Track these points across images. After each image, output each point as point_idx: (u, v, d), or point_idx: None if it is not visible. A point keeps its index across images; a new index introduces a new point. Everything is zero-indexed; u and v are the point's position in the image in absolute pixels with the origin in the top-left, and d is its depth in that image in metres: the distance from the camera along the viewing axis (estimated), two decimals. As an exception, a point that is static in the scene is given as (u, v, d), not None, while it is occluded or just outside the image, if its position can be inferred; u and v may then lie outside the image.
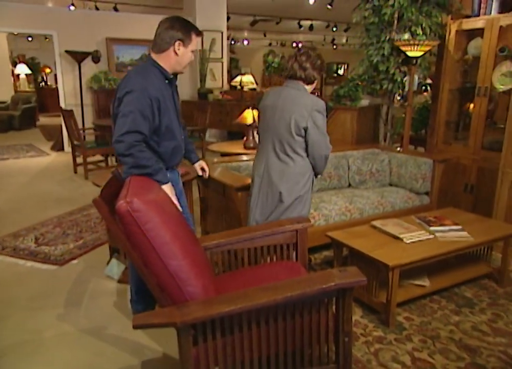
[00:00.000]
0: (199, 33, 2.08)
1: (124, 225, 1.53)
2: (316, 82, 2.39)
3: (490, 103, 3.73)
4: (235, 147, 4.19)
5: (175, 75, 2.16)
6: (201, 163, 2.58)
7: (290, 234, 2.25)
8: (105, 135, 5.76)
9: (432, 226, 2.64)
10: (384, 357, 2.06)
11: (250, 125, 3.97)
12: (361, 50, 4.37)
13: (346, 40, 15.33)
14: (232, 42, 13.44)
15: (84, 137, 5.74)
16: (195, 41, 2.06)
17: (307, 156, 2.36)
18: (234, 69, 13.06)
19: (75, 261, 3.12)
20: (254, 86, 8.22)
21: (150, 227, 1.54)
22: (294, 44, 15.29)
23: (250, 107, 4.08)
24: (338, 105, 4.64)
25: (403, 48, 3.82)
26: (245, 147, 4.05)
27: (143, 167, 1.93)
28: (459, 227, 2.63)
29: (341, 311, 1.70)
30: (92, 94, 7.20)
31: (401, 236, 2.48)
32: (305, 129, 2.27)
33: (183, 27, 2.01)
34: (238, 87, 7.75)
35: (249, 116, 3.98)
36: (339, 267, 2.65)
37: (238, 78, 7.62)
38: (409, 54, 3.83)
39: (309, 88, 2.37)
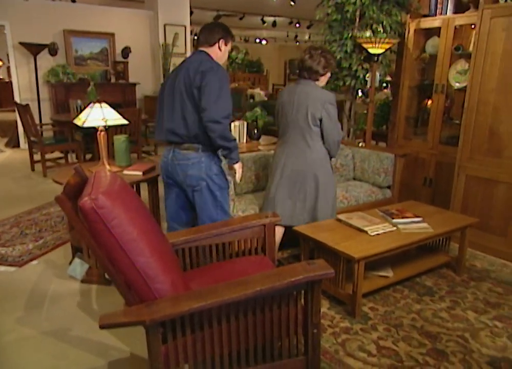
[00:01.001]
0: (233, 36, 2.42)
1: (89, 222, 1.49)
2: (324, 76, 2.69)
3: (447, 100, 3.88)
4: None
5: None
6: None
7: (258, 229, 2.25)
8: (63, 131, 5.56)
9: (395, 218, 2.73)
10: (351, 347, 2.11)
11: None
12: (324, 47, 4.41)
13: (309, 37, 15.48)
14: (196, 38, 13.27)
15: (42, 133, 5.51)
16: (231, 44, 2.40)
17: (323, 143, 2.69)
18: (197, 64, 12.89)
19: (34, 262, 3.00)
20: (218, 81, 8.17)
21: (116, 224, 1.51)
22: (257, 40, 15.30)
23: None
24: (303, 101, 4.68)
25: (365, 46, 3.90)
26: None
27: (230, 141, 2.26)
28: (420, 219, 2.73)
29: (310, 303, 1.73)
30: (50, 88, 6.93)
31: (365, 229, 2.54)
32: (320, 120, 2.61)
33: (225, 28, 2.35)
34: (202, 82, 7.67)
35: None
36: (306, 259, 2.69)
37: (202, 74, 7.54)
38: (371, 51, 3.92)
39: (320, 83, 2.70)
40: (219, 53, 2.31)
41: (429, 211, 2.98)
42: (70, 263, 2.80)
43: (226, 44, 2.33)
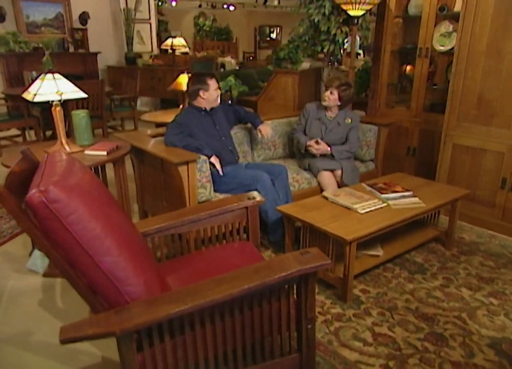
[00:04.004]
0: (212, 76, 2.81)
1: (40, 220, 1.22)
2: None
3: (431, 65, 3.68)
4: (171, 116, 3.80)
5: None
6: (264, 128, 3.07)
7: (239, 212, 2.04)
8: (19, 106, 5.07)
9: (384, 193, 2.55)
10: (345, 336, 1.96)
11: (185, 91, 3.61)
12: (295, 12, 4.12)
13: (279, 2, 14.89)
14: (160, 3, 12.50)
15: (-6, 109, 5.03)
16: (213, 82, 2.78)
17: None
18: (163, 32, 12.22)
19: (-10, 254, 2.70)
20: (187, 50, 7.70)
21: (75, 219, 1.25)
22: (225, 6, 14.59)
23: (185, 72, 3.71)
24: (279, 69, 4.39)
25: (344, 7, 3.62)
26: (182, 116, 3.71)
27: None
28: (410, 193, 2.56)
29: (304, 297, 1.54)
30: (0, 59, 6.32)
31: (354, 206, 2.36)
32: None
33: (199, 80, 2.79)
34: (170, 51, 7.19)
35: (184, 81, 3.62)
36: (291, 243, 2.50)
37: (168, 41, 7.05)
38: (351, 13, 3.64)
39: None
40: (203, 101, 2.80)
41: (417, 183, 2.83)
42: (30, 255, 2.51)
43: (207, 90, 2.76)
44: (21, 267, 2.51)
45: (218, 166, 2.67)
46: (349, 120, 3.13)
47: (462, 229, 3.06)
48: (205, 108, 2.82)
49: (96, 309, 1.40)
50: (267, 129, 3.04)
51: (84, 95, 2.41)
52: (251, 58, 13.26)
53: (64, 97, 2.30)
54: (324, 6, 3.79)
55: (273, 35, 16.45)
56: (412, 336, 1.96)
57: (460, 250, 2.78)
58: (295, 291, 1.54)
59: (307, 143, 3.08)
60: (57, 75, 2.33)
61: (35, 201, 1.19)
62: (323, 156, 3.10)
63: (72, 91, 2.36)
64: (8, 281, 2.40)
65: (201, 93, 2.76)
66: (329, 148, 3.06)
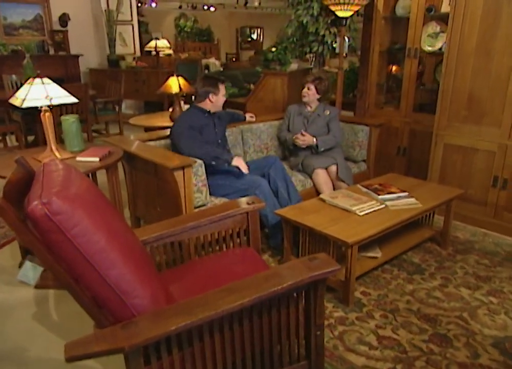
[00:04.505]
0: (222, 82, 2.84)
1: (42, 233, 1.16)
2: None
3: (419, 65, 3.71)
4: (160, 119, 3.77)
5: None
6: (248, 114, 3.45)
7: (240, 217, 2.00)
8: (-1, 111, 4.92)
9: (380, 194, 2.55)
10: (350, 340, 1.94)
11: (176, 94, 3.56)
12: (276, 13, 4.11)
13: (259, 3, 14.86)
14: (139, 4, 12.33)
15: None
16: (223, 88, 2.81)
17: None
18: (144, 34, 12.06)
19: (-24, 266, 2.59)
20: (170, 51, 7.61)
21: (79, 232, 1.19)
22: (206, 7, 14.49)
23: (174, 75, 3.65)
24: (267, 70, 4.37)
25: (333, 8, 3.62)
26: (172, 119, 3.64)
27: None
28: (406, 193, 2.57)
29: (313, 304, 1.51)
30: (-23, 63, 6.13)
31: (353, 209, 2.35)
32: None
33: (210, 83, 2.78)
34: (153, 52, 7.09)
35: (174, 84, 3.56)
36: (290, 246, 2.47)
37: (152, 43, 6.95)
38: (339, 14, 3.65)
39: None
40: (210, 104, 2.81)
41: (410, 183, 2.83)
42: (20, 266, 2.42)
43: (216, 95, 2.77)
44: (10, 279, 2.41)
45: (243, 166, 2.66)
46: (328, 112, 3.29)
47: (455, 228, 3.08)
48: (209, 111, 2.83)
49: (101, 324, 1.34)
50: (250, 114, 3.44)
51: (74, 100, 2.33)
52: (233, 59, 13.20)
53: (54, 102, 2.22)
54: (313, 7, 3.79)
55: (254, 36, 16.42)
56: (416, 338, 1.96)
57: (455, 249, 2.80)
58: (303, 297, 1.51)
59: (294, 136, 3.21)
60: (46, 80, 2.24)
61: (37, 213, 1.13)
62: (316, 154, 3.14)
63: (61, 96, 2.28)
64: (-2, 294, 2.31)
65: (210, 96, 2.76)
66: (314, 139, 3.15)
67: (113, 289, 1.27)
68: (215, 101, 2.79)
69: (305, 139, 3.15)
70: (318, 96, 3.25)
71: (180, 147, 2.59)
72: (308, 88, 3.21)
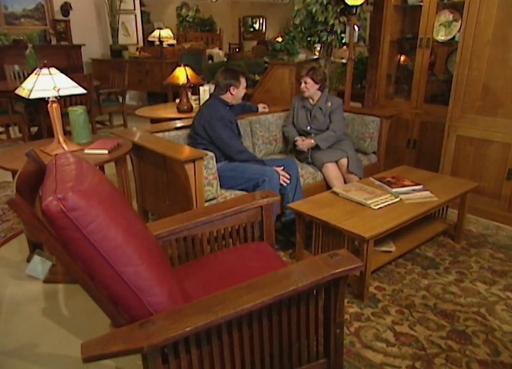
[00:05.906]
0: (243, 74, 2.87)
1: (58, 230, 1.12)
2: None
3: (431, 55, 3.63)
4: (167, 111, 3.71)
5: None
6: (260, 104, 3.43)
7: (254, 211, 1.95)
8: (1, 102, 4.85)
9: (394, 187, 2.50)
10: (367, 336, 1.90)
11: (183, 85, 3.49)
12: (278, 3, 4.03)
13: (262, -8, 14.65)
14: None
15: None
16: (244, 81, 2.83)
17: None
18: (145, 23, 11.92)
19: (-17, 260, 2.56)
20: (174, 42, 7.50)
21: (95, 228, 1.14)
22: (208, -4, 14.27)
23: (182, 65, 3.57)
24: (275, 61, 4.28)
25: (343, -4, 3.54)
26: (179, 111, 3.58)
27: None
28: (420, 186, 2.51)
29: (333, 301, 1.47)
30: (-21, 53, 6.04)
31: (367, 202, 2.30)
32: None
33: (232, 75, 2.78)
34: (157, 42, 6.99)
35: (181, 74, 3.49)
36: (302, 240, 2.43)
37: (156, 32, 6.85)
38: (349, 2, 3.57)
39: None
40: (231, 97, 2.81)
41: (423, 176, 2.78)
42: (28, 260, 2.38)
43: (237, 87, 2.78)
44: (19, 273, 2.37)
45: (283, 175, 2.67)
46: (330, 103, 3.17)
47: (468, 221, 3.03)
48: (231, 103, 2.84)
49: (117, 322, 1.30)
50: (263, 105, 3.43)
51: (83, 91, 2.27)
52: (237, 49, 13.05)
53: (62, 93, 2.16)
54: (322, -5, 3.69)
55: (256, 26, 16.21)
56: (434, 334, 1.92)
57: (468, 243, 2.76)
58: (323, 295, 1.47)
59: (295, 139, 3.17)
60: (53, 70, 2.18)
61: (52, 209, 1.08)
62: (326, 148, 3.08)
63: (70, 87, 2.22)
64: (7, 288, 2.27)
65: (231, 89, 2.77)
66: (312, 141, 3.08)
67: (130, 286, 1.23)
68: (236, 93, 2.79)
69: (303, 143, 3.11)
70: (317, 86, 3.10)
71: (219, 134, 2.63)
72: (305, 83, 3.08)
